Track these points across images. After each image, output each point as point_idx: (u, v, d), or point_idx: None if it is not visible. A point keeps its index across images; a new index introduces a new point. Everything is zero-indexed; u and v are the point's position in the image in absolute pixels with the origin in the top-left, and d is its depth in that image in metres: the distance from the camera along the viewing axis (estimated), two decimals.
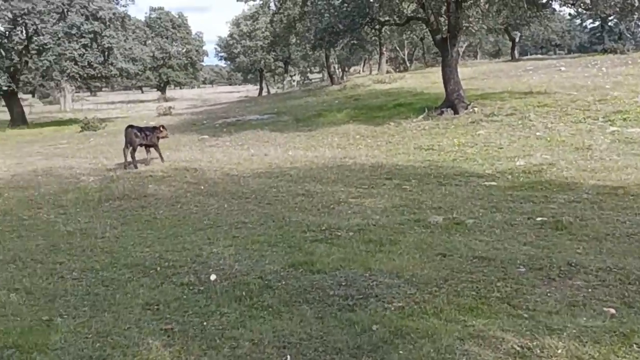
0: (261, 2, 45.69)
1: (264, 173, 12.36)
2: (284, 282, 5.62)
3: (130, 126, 14.82)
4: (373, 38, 35.36)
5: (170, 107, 36.23)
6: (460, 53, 36.22)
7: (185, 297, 5.41)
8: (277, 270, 5.99)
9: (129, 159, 14.08)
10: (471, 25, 20.38)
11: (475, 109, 18.67)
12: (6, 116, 33.64)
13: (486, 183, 9.98)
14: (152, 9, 75.87)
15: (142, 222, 8.53)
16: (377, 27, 23.34)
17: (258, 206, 9.22)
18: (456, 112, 18.68)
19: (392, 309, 4.87)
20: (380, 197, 9.38)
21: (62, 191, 11.32)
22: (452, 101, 19.13)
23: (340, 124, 20.04)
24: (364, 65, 65.00)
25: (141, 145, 14.44)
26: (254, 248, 6.85)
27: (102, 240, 7.55)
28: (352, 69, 65.45)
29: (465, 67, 34.75)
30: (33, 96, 77.61)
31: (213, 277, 5.86)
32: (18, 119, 30.81)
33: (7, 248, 7.39)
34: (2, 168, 15.33)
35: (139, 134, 14.29)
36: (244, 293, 5.35)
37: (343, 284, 5.51)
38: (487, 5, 19.37)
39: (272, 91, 60.94)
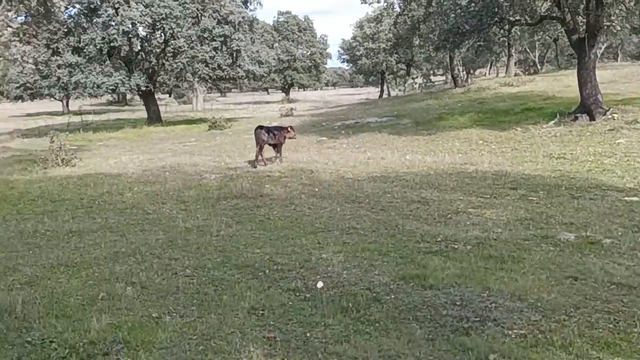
0: (385, 4, 45.47)
1: (379, 177, 12.06)
2: (393, 296, 5.29)
3: (260, 127, 15.33)
4: (501, 39, 33.68)
5: (291, 109, 37.04)
6: (599, 55, 33.51)
7: (290, 303, 5.27)
8: (386, 282, 5.68)
9: (259, 157, 14.70)
10: (613, 24, 18.57)
11: (615, 115, 17.02)
12: (144, 114, 36.24)
13: (627, 198, 8.94)
14: (280, 13, 78.63)
15: (255, 222, 8.59)
16: (506, 27, 22.09)
17: (371, 212, 8.94)
18: (592, 118, 17.15)
19: (513, 336, 4.38)
20: (503, 209, 8.71)
21: (185, 187, 11.79)
22: (588, 106, 17.59)
23: (462, 128, 19.20)
24: (490, 68, 62.46)
25: (270, 144, 15.05)
26: (364, 256, 6.59)
27: (216, 239, 7.66)
28: (477, 72, 63.14)
29: (604, 69, 32.04)
30: (170, 96, 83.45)
31: (320, 284, 5.67)
32: (154, 117, 33.07)
33: (130, 241, 7.74)
34: (136, 163, 16.36)
35: (267, 134, 14.85)
36: (350, 304, 5.11)
37: (458, 303, 5.08)
38: (632, 3, 17.56)
39: (393, 93, 60.38)
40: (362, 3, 40.11)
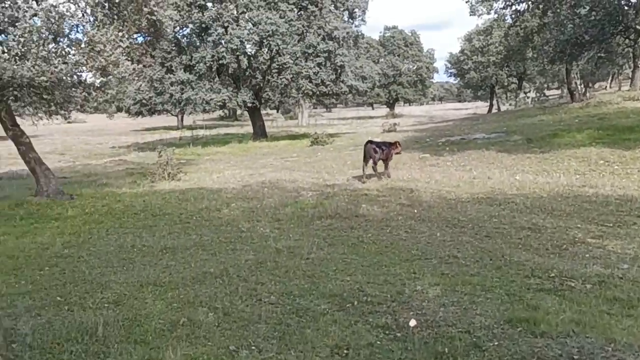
0: (496, 15, 43.62)
1: (484, 199, 11.19)
2: (496, 343, 4.62)
3: (370, 141, 15.16)
4: (625, 49, 31.08)
5: (395, 124, 36.39)
6: None
7: (378, 343, 4.76)
8: (489, 324, 5.00)
9: (367, 172, 14.60)
10: None
11: None
12: (251, 129, 37.20)
13: None
14: (387, 28, 78.32)
15: (348, 245, 8.15)
16: (631, 37, 20.20)
17: (474, 238, 8.19)
18: None
19: None
20: (629, 240, 7.64)
21: (281, 205, 11.61)
22: None
23: (579, 146, 17.64)
24: (612, 81, 58.04)
25: (380, 159, 14.85)
26: (464, 291, 5.92)
27: (305, 262, 7.30)
28: (596, 85, 58.95)
29: None
30: (277, 111, 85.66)
31: (413, 322, 5.10)
32: (259, 132, 33.84)
33: (219, 260, 7.58)
34: (237, 178, 16.56)
35: (377, 149, 14.67)
36: (446, 349, 4.50)
37: (575, 357, 4.31)
38: None
39: (503, 108, 57.78)
40: (470, 15, 38.68)
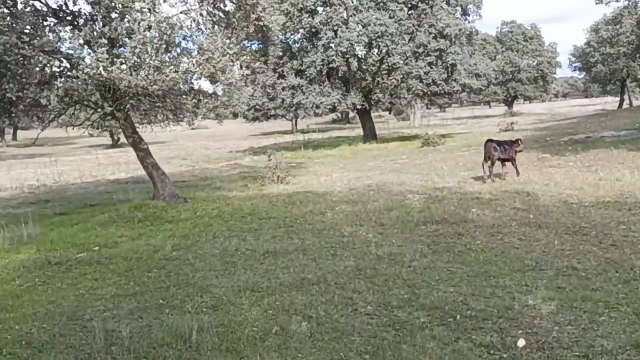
0: (626, 2, 40.03)
1: (612, 203, 10.11)
2: None
3: (490, 140, 14.67)
4: None
5: (512, 123, 34.59)
6: None
7: None
8: (612, 349, 4.38)
9: (487, 172, 14.05)
10: None
11: None
12: (362, 132, 37.08)
13: None
14: (504, 23, 74.92)
15: (454, 253, 7.65)
16: None
17: (598, 247, 7.36)
18: None
19: None
20: None
21: (386, 208, 11.28)
22: None
23: None
24: None
25: (499, 159, 14.29)
26: (584, 308, 5.27)
27: (407, 270, 6.93)
28: None
29: None
30: (389, 113, 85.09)
31: (521, 342, 4.60)
32: (369, 135, 33.59)
33: (319, 267, 7.42)
34: (344, 181, 16.43)
35: (498, 147, 14.16)
36: None
37: None
38: None
39: (636, 103, 53.05)
40: (597, 4, 35.80)
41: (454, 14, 31.16)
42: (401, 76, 29.83)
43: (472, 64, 31.58)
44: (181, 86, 11.11)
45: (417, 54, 29.16)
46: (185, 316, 5.75)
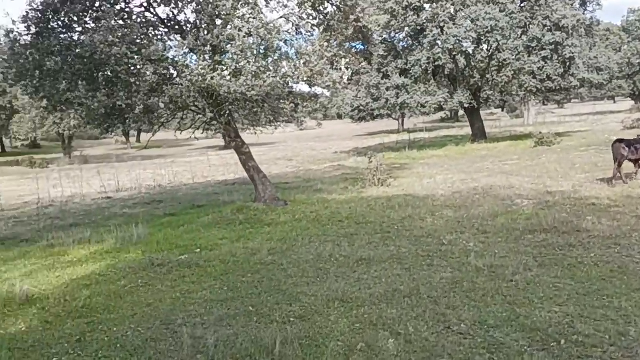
0: None
1: None
2: None
3: (619, 140, 13.76)
4: None
5: (638, 120, 31.68)
6: None
7: None
8: None
9: (617, 174, 13.23)
10: None
11: None
12: (470, 130, 35.74)
13: None
14: (631, 11, 69.11)
15: (563, 267, 7.00)
16: None
17: None
18: None
19: None
20: None
21: (490, 215, 10.65)
22: None
23: None
24: None
25: (630, 160, 13.45)
26: None
27: (508, 285, 6.42)
28: None
29: None
30: (502, 110, 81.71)
31: None
32: (478, 134, 32.25)
33: (412, 277, 7.09)
34: (448, 184, 15.80)
35: (627, 148, 13.24)
36: None
37: None
38: None
39: None
40: None
41: (571, 4, 29.11)
42: (512, 72, 28.34)
43: (592, 57, 29.31)
44: (279, 91, 11.17)
45: (530, 49, 27.57)
46: (272, 326, 5.68)
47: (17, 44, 11.18)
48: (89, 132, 52.61)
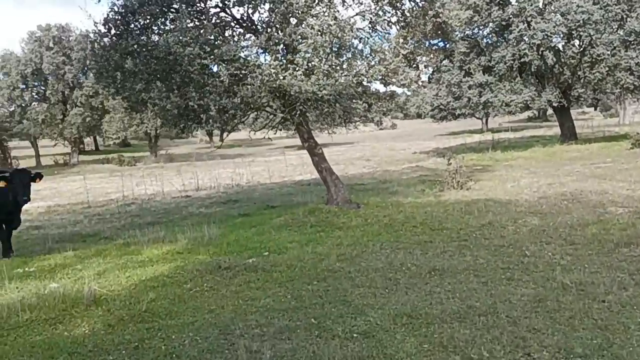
0: None
1: None
2: None
3: None
4: None
5: None
6: None
7: None
8: None
9: None
10: None
11: None
12: (559, 131, 33.82)
13: None
14: None
15: None
16: None
17: None
18: None
19: None
20: None
21: (580, 223, 9.78)
22: None
23: None
24: None
25: None
26: None
27: (599, 307, 5.71)
28: None
29: None
30: (595, 109, 77.31)
31: None
32: (567, 134, 30.39)
33: (490, 293, 6.49)
34: (533, 188, 14.84)
35: None
36: None
37: None
38: None
39: None
40: None
41: None
42: (607, 69, 26.43)
43: None
44: (352, 90, 10.79)
45: (627, 43, 25.60)
46: (333, 341, 5.32)
47: (98, 45, 11.48)
48: (173, 131, 54.67)
